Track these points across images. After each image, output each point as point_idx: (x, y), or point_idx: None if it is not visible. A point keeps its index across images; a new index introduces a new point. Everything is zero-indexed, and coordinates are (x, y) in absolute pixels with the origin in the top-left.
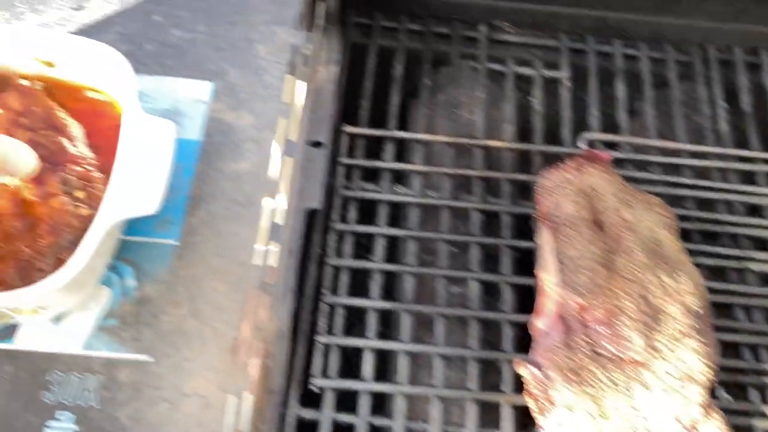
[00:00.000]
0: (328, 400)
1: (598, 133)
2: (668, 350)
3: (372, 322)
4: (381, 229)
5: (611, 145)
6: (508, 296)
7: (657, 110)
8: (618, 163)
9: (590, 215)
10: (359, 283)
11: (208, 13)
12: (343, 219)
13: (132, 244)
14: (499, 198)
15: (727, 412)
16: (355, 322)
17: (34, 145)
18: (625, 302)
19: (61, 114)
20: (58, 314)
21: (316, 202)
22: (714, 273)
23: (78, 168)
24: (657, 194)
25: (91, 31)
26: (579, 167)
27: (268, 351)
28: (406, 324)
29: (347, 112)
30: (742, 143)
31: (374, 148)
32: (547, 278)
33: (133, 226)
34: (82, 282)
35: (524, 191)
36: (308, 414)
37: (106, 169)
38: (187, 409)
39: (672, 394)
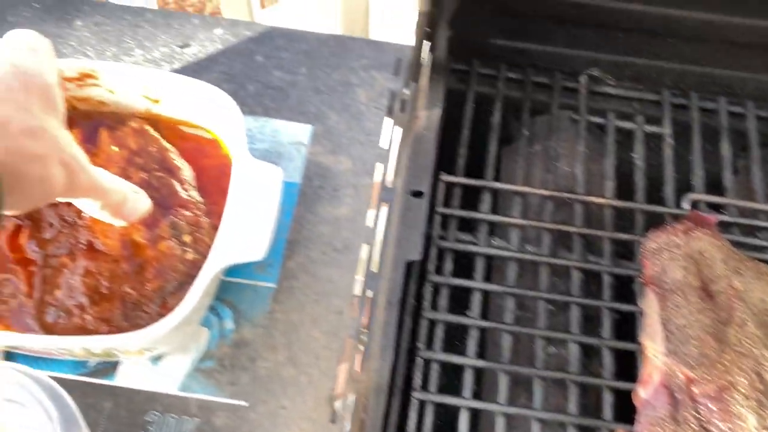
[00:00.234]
0: None
1: (703, 194)
2: None
3: (468, 380)
4: (479, 283)
5: (716, 207)
6: (608, 361)
7: (764, 171)
8: (724, 226)
9: (699, 282)
10: (453, 337)
11: (309, 56)
12: (439, 270)
13: (231, 286)
14: (599, 256)
15: None
16: (448, 377)
17: (146, 186)
18: (737, 377)
19: (174, 156)
20: (158, 354)
21: (416, 253)
22: None
23: (188, 213)
24: (766, 261)
25: (194, 68)
26: (687, 231)
27: (364, 404)
28: (503, 384)
29: (442, 159)
30: None
31: (469, 197)
32: (653, 347)
33: (233, 267)
34: (187, 325)
35: (626, 251)
36: None
37: (210, 210)
38: None
39: None
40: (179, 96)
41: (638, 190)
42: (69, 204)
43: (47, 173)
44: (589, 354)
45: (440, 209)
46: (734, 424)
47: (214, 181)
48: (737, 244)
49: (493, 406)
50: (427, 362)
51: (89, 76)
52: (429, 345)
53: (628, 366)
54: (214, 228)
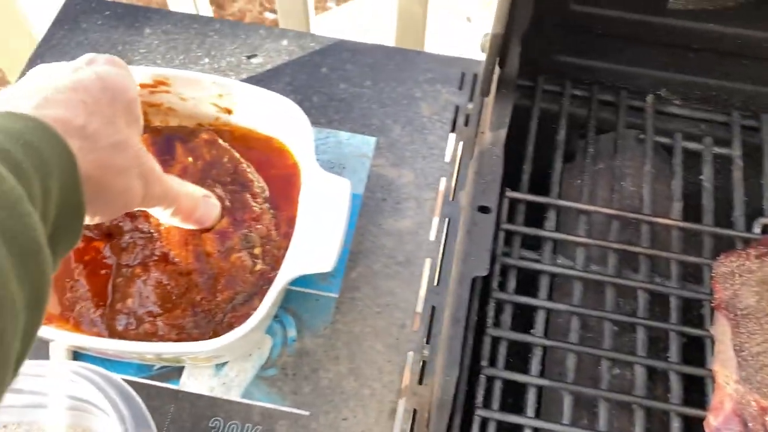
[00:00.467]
0: None
1: None
2: None
3: (531, 399)
4: (543, 301)
5: None
6: (676, 386)
7: None
8: None
9: None
10: (515, 354)
11: (373, 68)
12: (502, 287)
13: (294, 294)
14: (665, 278)
15: None
16: (511, 395)
17: (219, 198)
18: None
19: (247, 168)
20: (223, 361)
21: (482, 269)
22: None
23: (260, 226)
24: None
25: (260, 79)
26: (760, 255)
27: (427, 420)
28: (566, 404)
29: (504, 175)
30: None
31: (530, 214)
32: (725, 373)
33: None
34: (255, 333)
35: (693, 274)
36: None
37: (277, 220)
38: None
39: None
40: (250, 105)
41: (706, 212)
42: (147, 217)
43: (129, 185)
44: (654, 378)
45: (505, 225)
46: None
47: (280, 191)
48: None
49: (557, 426)
50: (490, 380)
51: (162, 83)
52: (492, 362)
53: (696, 392)
54: (283, 239)
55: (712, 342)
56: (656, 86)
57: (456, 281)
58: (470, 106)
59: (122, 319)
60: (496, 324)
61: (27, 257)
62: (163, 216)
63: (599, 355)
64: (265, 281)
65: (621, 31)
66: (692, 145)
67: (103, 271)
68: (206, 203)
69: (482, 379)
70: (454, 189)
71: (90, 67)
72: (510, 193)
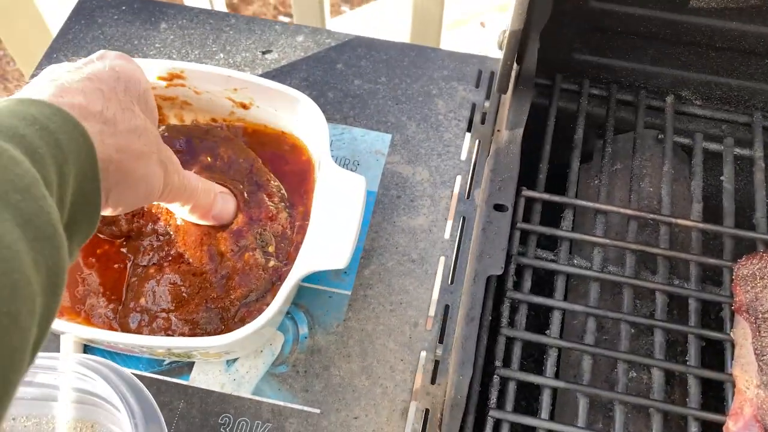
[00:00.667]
0: None
1: None
2: None
3: (546, 401)
4: (559, 302)
5: None
6: (694, 390)
7: None
8: None
9: None
10: (529, 356)
11: (389, 65)
12: (517, 287)
13: (307, 291)
14: (684, 280)
15: None
16: (525, 396)
17: (237, 196)
18: None
19: (263, 167)
20: (234, 357)
21: (498, 268)
22: None
23: (275, 225)
24: None
25: (275, 74)
26: None
27: (439, 420)
28: (582, 407)
29: (520, 174)
30: None
31: (547, 213)
32: (746, 378)
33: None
34: (267, 329)
35: (713, 276)
36: None
37: (292, 218)
38: None
39: None
40: (265, 100)
41: (727, 214)
42: (166, 220)
43: (149, 171)
44: (671, 381)
45: (521, 224)
46: None
47: (294, 187)
48: None
49: (571, 429)
50: (504, 380)
51: (178, 76)
52: (506, 363)
53: (715, 397)
54: (298, 234)
55: (732, 346)
56: (676, 86)
57: (470, 280)
58: (487, 104)
59: (135, 317)
60: (511, 324)
61: (43, 241)
62: (182, 212)
63: (616, 357)
64: (278, 278)
65: (641, 29)
66: (713, 146)
67: (116, 265)
68: (223, 199)
69: (496, 379)
70: (470, 187)
71: (101, 61)
72: (526, 192)
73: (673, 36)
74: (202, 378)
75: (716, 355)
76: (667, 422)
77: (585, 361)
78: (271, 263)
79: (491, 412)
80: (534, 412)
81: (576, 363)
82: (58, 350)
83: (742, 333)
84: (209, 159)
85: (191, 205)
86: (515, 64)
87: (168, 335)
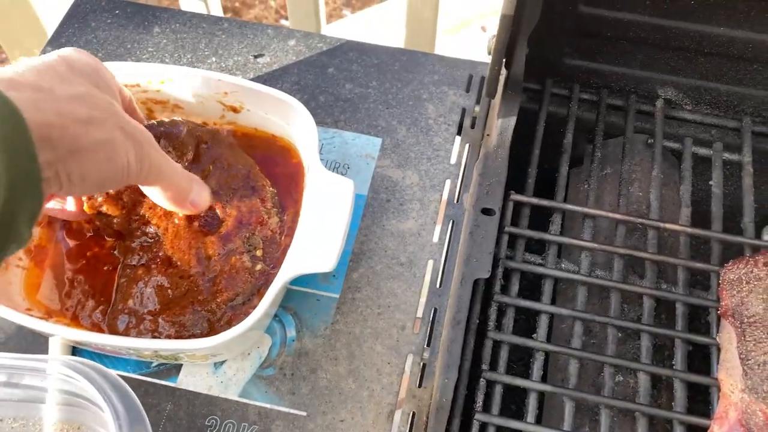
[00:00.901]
0: None
1: None
2: None
3: (532, 405)
4: (546, 306)
5: None
6: (680, 394)
7: None
8: None
9: None
10: (516, 359)
11: (380, 69)
12: (505, 290)
13: (295, 294)
14: (672, 284)
15: None
16: (512, 400)
17: (233, 205)
18: None
19: (259, 173)
20: (222, 359)
21: (484, 271)
22: None
23: (264, 229)
24: None
25: (267, 78)
26: None
27: (425, 423)
28: (568, 410)
29: (509, 178)
30: None
31: (535, 217)
32: (731, 382)
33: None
34: (254, 332)
35: (701, 280)
36: None
37: (282, 223)
38: None
39: None
40: (256, 104)
41: (715, 218)
42: (157, 224)
43: (106, 137)
44: (658, 385)
45: (509, 228)
46: None
47: (284, 190)
48: None
49: None
50: (491, 384)
51: (169, 80)
52: (493, 366)
53: (701, 401)
54: (287, 238)
55: (718, 350)
56: (666, 90)
57: (457, 283)
58: (477, 108)
59: (123, 318)
60: (498, 327)
61: None
62: (161, 199)
63: (602, 361)
64: (265, 282)
65: (630, 34)
66: (702, 151)
67: (105, 267)
68: (198, 185)
69: (482, 383)
70: (459, 191)
71: (53, 52)
72: (515, 196)
73: (662, 41)
74: (189, 380)
75: (703, 359)
76: (652, 426)
77: (572, 364)
78: (258, 267)
79: (477, 416)
80: (521, 416)
81: (563, 367)
82: (46, 352)
83: (727, 337)
84: (211, 167)
85: (171, 193)
86: (504, 69)
87: (155, 337)
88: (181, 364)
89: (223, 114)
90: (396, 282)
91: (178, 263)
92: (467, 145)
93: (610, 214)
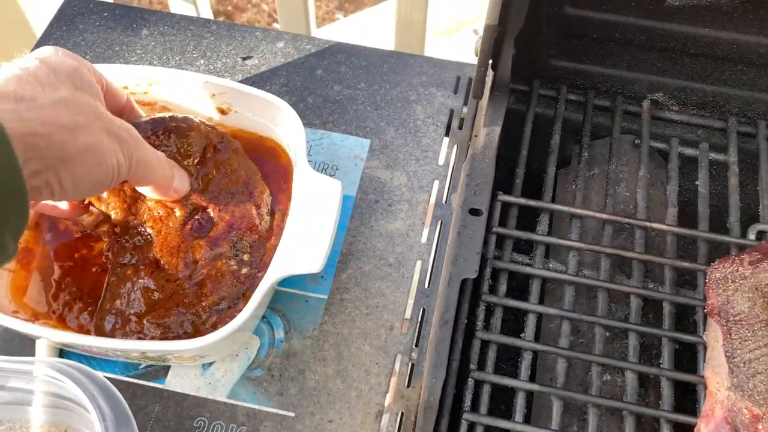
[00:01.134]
0: None
1: None
2: None
3: (520, 404)
4: (534, 305)
5: None
6: (667, 392)
7: None
8: None
9: (766, 315)
10: (505, 359)
11: (368, 71)
12: (493, 290)
13: (283, 295)
14: (659, 284)
15: None
16: (501, 400)
17: (227, 209)
18: None
19: (260, 180)
20: (210, 361)
21: (472, 271)
22: None
23: (253, 234)
24: None
25: (255, 80)
26: (754, 262)
27: (413, 422)
28: (555, 410)
29: (497, 179)
30: None
31: (523, 218)
32: (717, 380)
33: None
34: (242, 334)
35: (688, 279)
36: None
37: (271, 226)
38: None
39: None
40: (243, 105)
41: (701, 218)
42: (152, 226)
43: (93, 141)
44: (645, 384)
45: (496, 229)
46: None
47: (272, 191)
48: None
49: (544, 431)
50: (479, 383)
51: (157, 82)
52: (481, 366)
53: (688, 399)
54: (275, 240)
55: (705, 348)
56: (652, 91)
57: (445, 283)
58: (464, 110)
59: (110, 319)
60: (486, 327)
61: None
62: (146, 189)
63: (590, 360)
64: (251, 286)
65: (616, 36)
66: (688, 151)
67: (93, 269)
68: (178, 170)
69: (470, 382)
70: (447, 192)
71: (30, 55)
72: (502, 197)
73: (648, 42)
74: (177, 382)
75: (690, 358)
76: (640, 424)
77: (559, 364)
78: (244, 270)
79: (465, 415)
80: (509, 415)
81: (551, 366)
82: (33, 354)
83: (713, 336)
84: (215, 172)
85: (158, 180)
86: (490, 71)
87: (140, 339)
88: (170, 366)
89: (210, 116)
90: (384, 282)
91: (166, 266)
92: (455, 146)
93: (598, 214)
